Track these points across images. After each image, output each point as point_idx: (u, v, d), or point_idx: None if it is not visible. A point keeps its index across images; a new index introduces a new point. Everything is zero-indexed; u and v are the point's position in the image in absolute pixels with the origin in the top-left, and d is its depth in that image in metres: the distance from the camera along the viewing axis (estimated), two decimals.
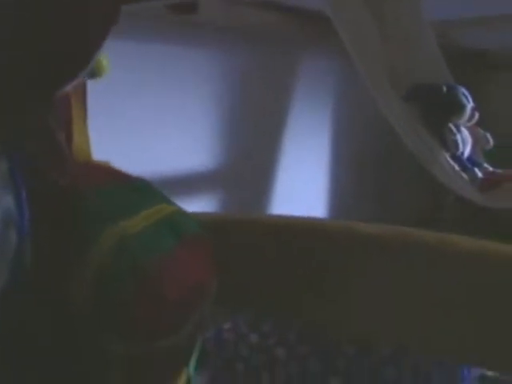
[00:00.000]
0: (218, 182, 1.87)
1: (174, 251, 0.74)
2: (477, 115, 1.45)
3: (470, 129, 1.46)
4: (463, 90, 1.44)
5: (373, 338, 0.95)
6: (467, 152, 1.42)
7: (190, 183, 1.78)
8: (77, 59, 0.68)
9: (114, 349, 0.66)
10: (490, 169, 1.49)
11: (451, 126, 1.37)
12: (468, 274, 0.79)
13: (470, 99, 1.44)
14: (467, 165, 1.40)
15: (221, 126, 1.87)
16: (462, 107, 1.41)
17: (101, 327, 0.66)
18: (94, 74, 0.95)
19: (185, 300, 0.73)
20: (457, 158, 1.37)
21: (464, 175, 1.37)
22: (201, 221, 0.85)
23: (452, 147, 1.35)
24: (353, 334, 1.01)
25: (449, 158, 1.37)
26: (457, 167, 1.36)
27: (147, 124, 1.64)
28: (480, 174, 1.42)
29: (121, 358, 0.68)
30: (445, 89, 1.41)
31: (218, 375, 1.47)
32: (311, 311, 0.99)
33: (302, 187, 2.11)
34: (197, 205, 1.70)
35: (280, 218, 1.02)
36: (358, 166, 2.36)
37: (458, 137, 1.36)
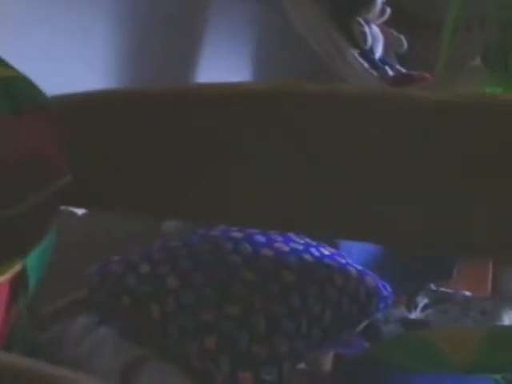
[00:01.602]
0: None
1: (6, 117, 0.66)
2: (388, 11, 1.31)
3: (381, 28, 1.33)
4: None
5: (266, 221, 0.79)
6: (379, 52, 1.29)
7: None
8: None
9: None
10: (403, 70, 1.36)
11: (359, 19, 1.23)
12: (357, 120, 0.64)
13: None
14: (378, 63, 1.27)
15: (124, 49, 1.70)
16: (371, 0, 1.27)
17: None
18: None
19: (14, 170, 0.65)
20: (366, 56, 1.24)
21: (374, 73, 1.24)
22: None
23: (360, 41, 1.21)
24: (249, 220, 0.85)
25: (358, 56, 1.23)
26: (366, 65, 1.23)
27: (44, 43, 1.47)
28: (391, 73, 1.30)
29: None
30: None
31: (103, 312, 1.30)
32: (196, 199, 0.83)
33: None
34: None
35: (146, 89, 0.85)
36: None
37: (367, 29, 1.22)
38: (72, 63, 1.55)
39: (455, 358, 1.31)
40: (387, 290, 1.40)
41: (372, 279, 1.37)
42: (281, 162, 0.73)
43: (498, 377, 1.22)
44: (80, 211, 1.60)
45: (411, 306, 1.79)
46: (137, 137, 0.83)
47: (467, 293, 1.93)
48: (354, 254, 1.59)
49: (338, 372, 1.26)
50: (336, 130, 0.69)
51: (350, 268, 1.36)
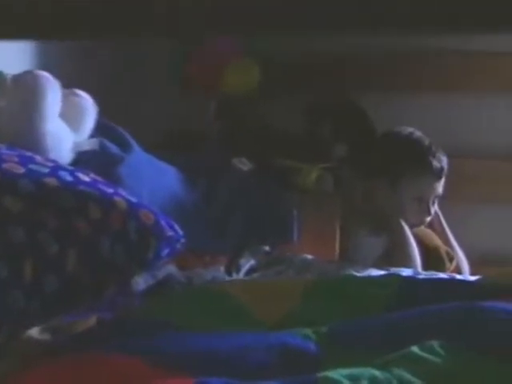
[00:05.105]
0: None
1: None
2: None
3: None
4: None
5: None
6: None
7: None
8: None
9: None
10: None
11: None
12: None
13: None
14: None
15: None
16: None
17: None
18: None
19: None
20: None
21: None
22: None
23: None
24: None
25: None
26: None
27: None
28: None
29: None
30: None
31: None
32: None
33: None
34: None
35: None
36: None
37: None
38: None
39: (261, 313, 0.99)
40: (175, 231, 1.03)
41: (150, 214, 1.00)
42: None
43: (309, 331, 0.89)
44: None
45: (232, 268, 1.43)
46: None
47: (309, 256, 1.61)
48: (144, 196, 1.23)
49: (94, 336, 0.88)
50: None
51: (118, 199, 0.98)
